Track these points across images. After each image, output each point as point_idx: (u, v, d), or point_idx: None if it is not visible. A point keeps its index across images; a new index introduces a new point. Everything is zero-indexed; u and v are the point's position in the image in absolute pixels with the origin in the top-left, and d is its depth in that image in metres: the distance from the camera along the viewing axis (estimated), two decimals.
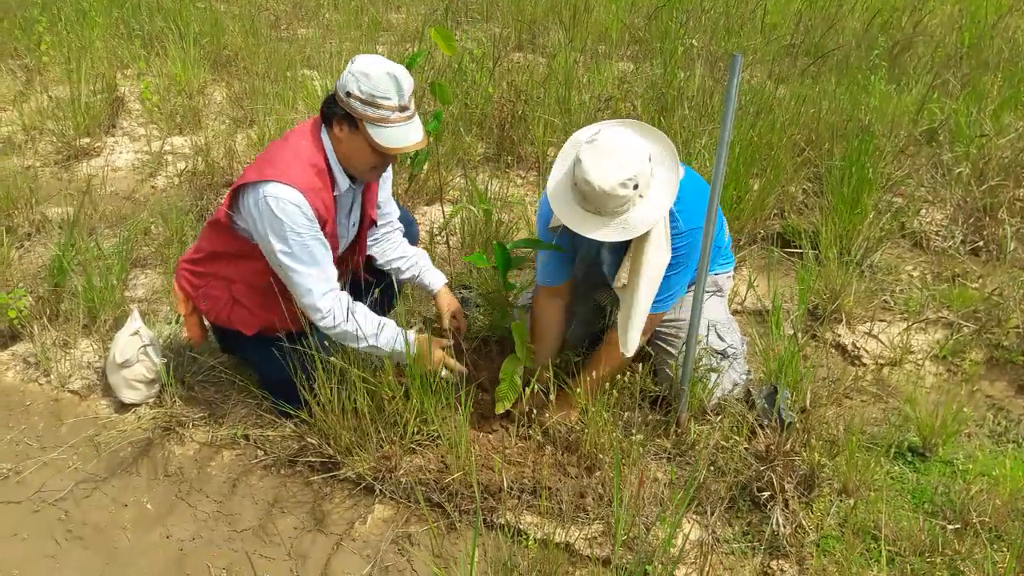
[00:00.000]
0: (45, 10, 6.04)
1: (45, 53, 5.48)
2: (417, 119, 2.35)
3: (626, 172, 2.19)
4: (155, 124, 4.90)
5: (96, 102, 4.86)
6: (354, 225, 2.64)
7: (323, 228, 2.40)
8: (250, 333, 2.59)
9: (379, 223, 2.78)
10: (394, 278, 2.89)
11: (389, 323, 2.49)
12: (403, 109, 2.28)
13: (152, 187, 4.30)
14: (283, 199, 2.29)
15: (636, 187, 2.21)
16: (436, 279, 2.85)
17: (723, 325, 2.71)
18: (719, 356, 2.66)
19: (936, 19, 5.93)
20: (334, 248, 2.50)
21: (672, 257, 2.36)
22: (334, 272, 2.44)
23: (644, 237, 2.30)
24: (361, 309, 2.47)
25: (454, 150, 4.30)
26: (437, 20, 5.97)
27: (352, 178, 2.50)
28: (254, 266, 2.49)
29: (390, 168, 2.73)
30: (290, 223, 2.30)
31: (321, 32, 6.26)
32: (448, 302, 2.82)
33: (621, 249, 2.44)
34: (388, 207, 2.80)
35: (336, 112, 2.32)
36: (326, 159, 2.41)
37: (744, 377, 2.71)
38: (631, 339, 2.38)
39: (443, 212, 3.76)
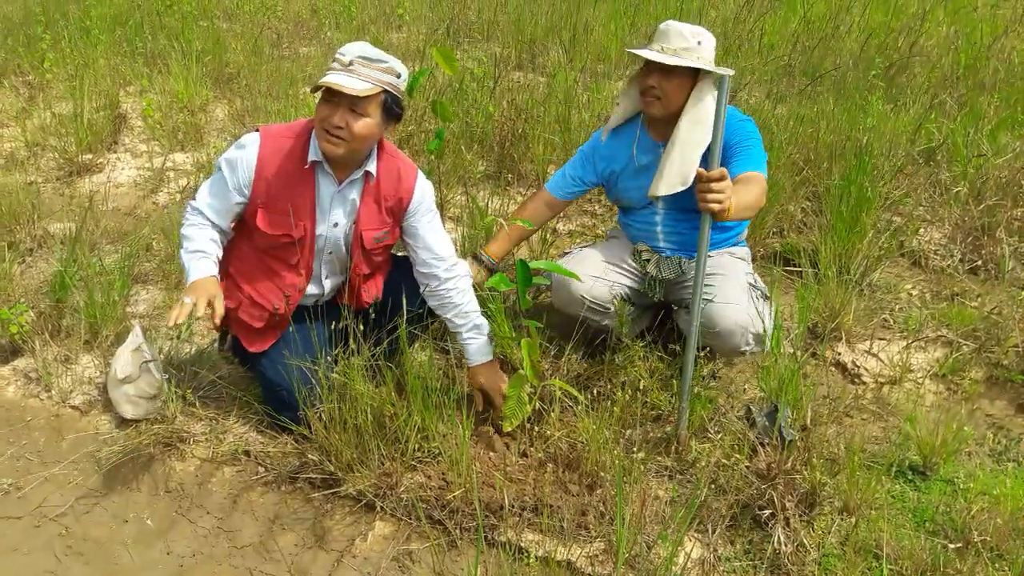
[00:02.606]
0: (49, 28, 6.08)
1: (48, 70, 5.52)
2: (358, 77, 2.37)
3: (698, 29, 2.66)
4: (157, 141, 4.92)
5: (99, 119, 4.88)
6: (335, 226, 2.59)
7: (265, 182, 2.48)
8: (231, 304, 2.61)
9: (432, 283, 2.71)
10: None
11: (202, 258, 2.48)
12: (349, 64, 2.37)
13: (154, 203, 4.32)
14: (243, 138, 2.54)
15: (700, 43, 2.64)
16: (478, 355, 2.72)
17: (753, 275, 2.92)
18: (760, 293, 2.81)
19: (932, 40, 5.98)
20: (295, 230, 2.52)
21: (742, 142, 2.71)
22: (218, 209, 2.54)
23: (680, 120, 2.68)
24: (205, 234, 2.53)
25: (455, 168, 4.32)
26: (438, 39, 6.01)
27: (340, 177, 2.55)
28: (243, 237, 2.63)
29: (431, 218, 2.69)
30: (226, 156, 2.52)
31: (323, 50, 6.30)
32: (482, 383, 2.72)
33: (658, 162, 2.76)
34: (441, 263, 2.70)
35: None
36: (308, 129, 2.53)
37: (759, 335, 2.78)
38: (662, 180, 2.70)
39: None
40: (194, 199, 2.57)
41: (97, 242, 3.82)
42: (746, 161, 2.67)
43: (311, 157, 2.50)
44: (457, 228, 3.87)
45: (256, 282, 2.61)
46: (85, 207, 3.97)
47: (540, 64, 6.03)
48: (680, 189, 2.67)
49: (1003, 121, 4.45)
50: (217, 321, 2.38)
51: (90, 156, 4.69)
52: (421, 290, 2.75)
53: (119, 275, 3.34)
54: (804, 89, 4.96)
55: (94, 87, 5.21)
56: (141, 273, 3.61)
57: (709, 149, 2.36)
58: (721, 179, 2.31)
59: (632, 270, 2.97)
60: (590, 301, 2.85)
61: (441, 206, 3.94)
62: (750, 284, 2.82)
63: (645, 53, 2.65)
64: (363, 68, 2.37)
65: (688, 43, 2.62)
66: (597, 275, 2.88)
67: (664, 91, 2.69)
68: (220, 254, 2.57)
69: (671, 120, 2.73)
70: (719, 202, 2.32)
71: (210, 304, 2.34)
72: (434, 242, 2.70)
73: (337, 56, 2.40)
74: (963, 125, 4.42)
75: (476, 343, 2.70)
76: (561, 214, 4.12)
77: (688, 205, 2.63)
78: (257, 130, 2.54)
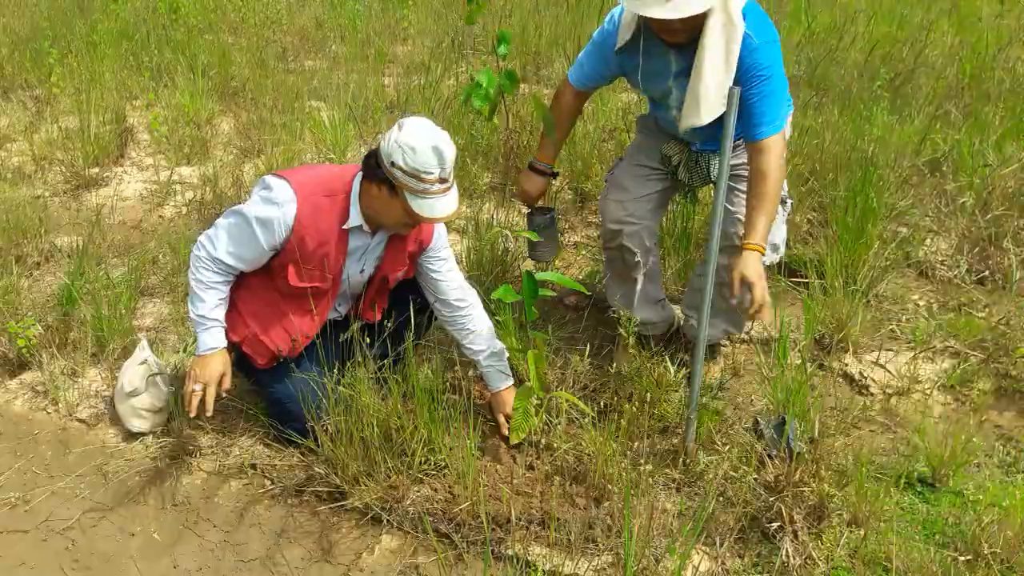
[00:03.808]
0: (56, 42, 6.11)
1: (55, 84, 5.54)
2: (454, 190, 2.41)
3: None
4: (163, 154, 4.94)
5: (105, 132, 4.90)
6: (362, 272, 2.63)
7: (301, 241, 2.45)
8: (235, 339, 2.62)
9: (446, 311, 2.75)
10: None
11: (214, 327, 2.53)
12: (443, 181, 2.34)
13: (160, 216, 4.33)
14: (274, 191, 2.43)
15: None
16: (500, 381, 2.78)
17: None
18: (780, 201, 2.72)
19: (937, 50, 5.98)
20: (324, 283, 2.54)
21: (759, 76, 2.49)
22: (237, 260, 2.51)
23: (703, 48, 2.46)
24: (216, 295, 2.53)
25: (460, 179, 4.33)
26: (443, 52, 6.03)
27: (373, 231, 2.55)
28: (261, 276, 2.60)
29: (446, 255, 2.73)
30: (257, 213, 2.42)
31: (328, 64, 6.32)
32: (503, 407, 2.76)
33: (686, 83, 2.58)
34: (456, 293, 2.74)
35: (377, 175, 2.38)
36: (347, 195, 2.48)
37: (783, 246, 2.79)
38: (689, 111, 2.57)
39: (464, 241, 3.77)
40: (213, 246, 2.49)
41: (104, 255, 3.83)
42: (760, 118, 2.53)
43: (352, 223, 2.49)
44: (462, 239, 3.87)
45: (265, 322, 2.59)
46: (92, 221, 3.98)
47: (544, 76, 6.04)
48: (720, 111, 2.51)
49: (1008, 131, 4.44)
50: (224, 395, 2.58)
51: (97, 170, 4.71)
52: (437, 316, 2.79)
53: (126, 288, 3.35)
54: (809, 100, 4.96)
55: (101, 101, 5.23)
56: (148, 286, 3.62)
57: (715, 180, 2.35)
58: (753, 296, 2.41)
59: (662, 171, 2.92)
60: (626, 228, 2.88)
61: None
62: None
63: (654, 13, 2.40)
64: (452, 172, 2.38)
65: None
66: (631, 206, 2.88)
67: (684, 28, 2.48)
68: (228, 303, 2.60)
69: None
70: (764, 304, 2.42)
71: (220, 383, 2.52)
72: (449, 277, 2.74)
73: (423, 174, 2.30)
74: (969, 135, 4.41)
75: (493, 370, 2.75)
76: (566, 225, 4.13)
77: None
78: (285, 179, 2.45)
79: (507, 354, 2.79)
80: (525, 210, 3.17)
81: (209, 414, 2.52)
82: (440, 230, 2.71)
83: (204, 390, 2.48)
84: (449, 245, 2.77)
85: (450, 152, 2.32)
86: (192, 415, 2.52)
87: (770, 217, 2.53)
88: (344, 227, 2.49)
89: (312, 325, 2.62)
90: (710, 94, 2.52)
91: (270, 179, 2.47)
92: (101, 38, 6.26)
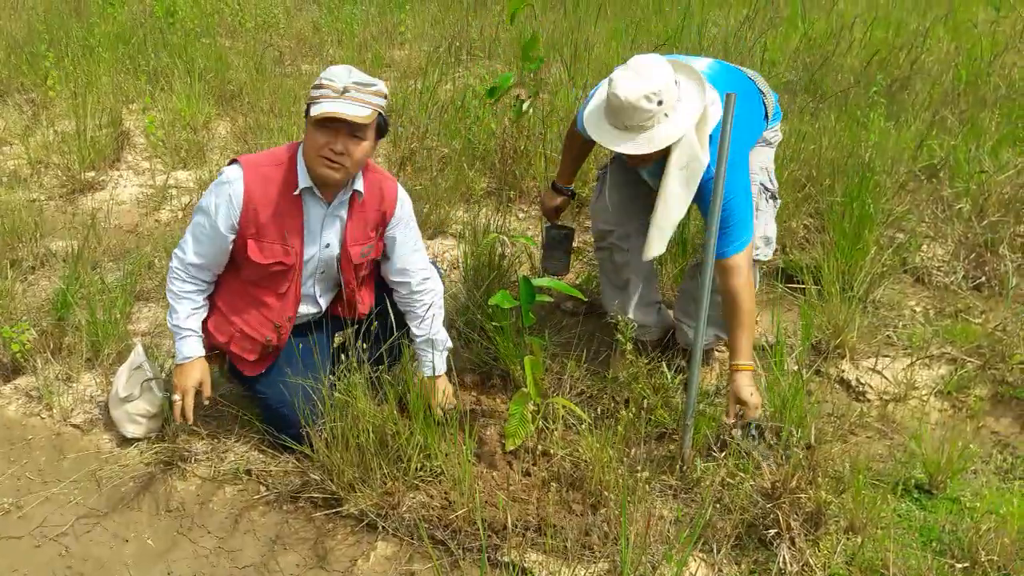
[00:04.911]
0: (52, 45, 6.10)
1: (51, 88, 5.53)
2: (356, 103, 2.36)
3: (651, 86, 2.38)
4: (159, 158, 4.93)
5: (101, 136, 4.89)
6: (327, 246, 2.60)
7: (255, 213, 2.46)
8: (222, 339, 2.64)
9: (402, 290, 2.75)
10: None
11: (189, 336, 2.57)
12: (344, 91, 2.35)
13: (156, 221, 4.32)
14: (224, 174, 2.49)
15: (660, 103, 2.40)
16: (436, 368, 2.74)
17: (773, 172, 2.87)
18: (769, 195, 2.81)
19: (933, 56, 5.98)
20: (288, 256, 2.53)
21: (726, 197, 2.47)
22: (206, 258, 2.54)
23: (668, 168, 2.50)
24: (189, 304, 2.58)
25: (456, 184, 4.33)
26: (440, 57, 6.03)
27: (328, 198, 2.54)
28: (229, 271, 2.63)
29: (408, 228, 2.71)
30: (211, 197, 2.49)
31: (325, 68, 6.31)
32: (440, 391, 2.72)
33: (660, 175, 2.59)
34: (415, 275, 2.74)
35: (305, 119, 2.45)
36: (293, 160, 2.51)
37: (774, 238, 2.86)
38: (653, 243, 2.60)
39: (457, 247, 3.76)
40: (182, 251, 2.55)
41: (99, 260, 3.82)
42: (725, 239, 2.56)
43: (301, 184, 2.49)
44: (459, 245, 3.87)
45: (246, 315, 2.61)
46: (87, 225, 3.97)
47: (542, 81, 6.04)
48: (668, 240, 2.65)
49: (1004, 137, 4.45)
50: (205, 402, 2.64)
51: (93, 174, 4.69)
52: (393, 296, 2.77)
53: (121, 293, 3.34)
54: (806, 106, 4.97)
55: (97, 105, 5.22)
56: (143, 291, 3.61)
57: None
58: (746, 415, 2.56)
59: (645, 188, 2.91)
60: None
61: (442, 223, 3.95)
62: (762, 186, 2.80)
63: (621, 148, 2.50)
64: (358, 93, 2.37)
65: (650, 110, 2.40)
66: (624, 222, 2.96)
67: (649, 157, 2.56)
68: (205, 311, 2.64)
69: None
70: (757, 407, 2.56)
71: (198, 392, 2.59)
72: (410, 252, 2.73)
73: (325, 83, 2.37)
74: (965, 141, 4.42)
75: (426, 356, 2.73)
76: None
77: None
78: (235, 161, 2.52)
79: (448, 348, 2.75)
80: (546, 223, 3.32)
81: (190, 422, 2.57)
82: (403, 200, 2.68)
83: (183, 401, 2.55)
84: (414, 219, 2.75)
85: (360, 73, 2.39)
86: (178, 423, 2.59)
87: (751, 333, 2.63)
88: (295, 193, 2.49)
89: (288, 306, 2.61)
90: (672, 222, 2.59)
91: (224, 168, 2.54)
92: (98, 41, 6.25)
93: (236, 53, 6.34)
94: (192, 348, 2.57)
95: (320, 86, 2.37)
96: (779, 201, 2.94)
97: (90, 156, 4.74)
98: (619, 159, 2.98)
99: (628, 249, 2.95)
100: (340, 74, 2.38)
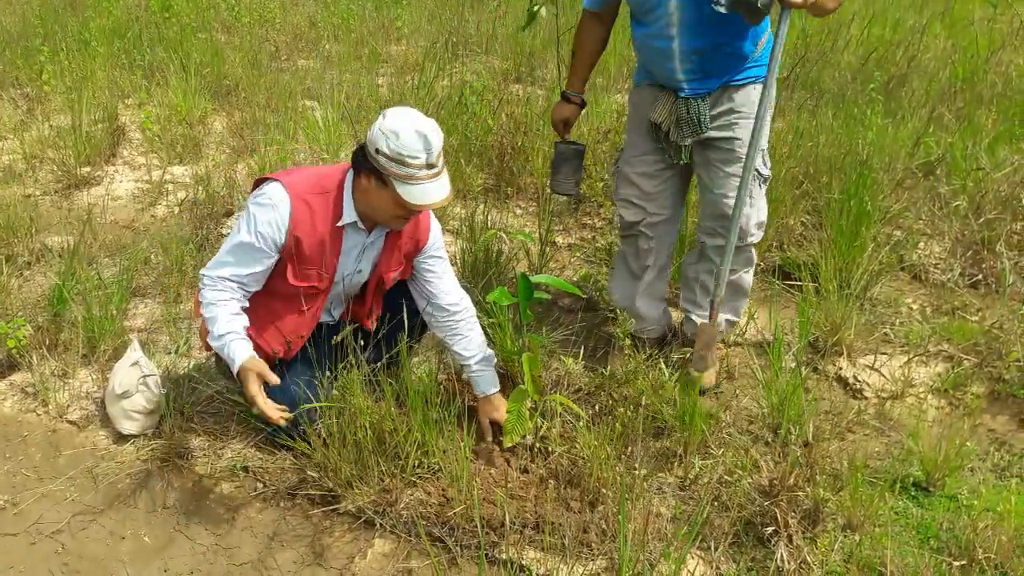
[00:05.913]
0: (47, 40, 6.08)
1: (47, 82, 5.51)
2: (444, 175, 2.37)
3: None
4: (155, 153, 4.91)
5: (97, 131, 4.88)
6: (359, 272, 2.61)
7: (297, 241, 2.42)
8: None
9: (440, 315, 2.70)
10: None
11: (234, 339, 2.38)
12: (430, 167, 2.31)
13: (152, 216, 4.30)
14: (266, 193, 2.41)
15: None
16: (488, 386, 2.72)
17: (767, 152, 2.85)
18: (762, 179, 2.81)
19: (930, 53, 5.99)
20: (321, 282, 2.52)
21: None
22: (245, 277, 2.45)
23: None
24: (227, 309, 2.42)
25: (454, 180, 4.31)
26: (437, 52, 6.01)
27: (369, 228, 2.52)
28: None
29: (441, 255, 2.70)
30: (254, 219, 2.40)
31: (321, 63, 6.30)
32: (495, 416, 2.71)
33: None
34: (450, 297, 2.70)
35: (364, 166, 2.36)
36: (340, 192, 2.45)
37: (764, 220, 2.88)
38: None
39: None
40: (220, 270, 2.43)
41: (95, 255, 3.80)
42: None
43: (346, 219, 2.47)
44: (456, 241, 3.86)
45: (260, 326, 2.55)
46: (83, 220, 3.95)
47: (539, 77, 6.04)
48: None
49: (1001, 135, 4.45)
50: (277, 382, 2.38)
51: (88, 169, 4.68)
52: (427, 321, 2.75)
53: (117, 289, 3.33)
54: (803, 103, 4.97)
55: (92, 100, 5.20)
56: (139, 287, 3.59)
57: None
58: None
59: (664, 156, 2.89)
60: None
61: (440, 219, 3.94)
62: (756, 172, 2.76)
63: None
64: (440, 160, 2.35)
65: None
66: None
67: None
68: (244, 319, 2.48)
69: None
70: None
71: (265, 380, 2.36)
72: (443, 279, 2.71)
73: (408, 159, 2.27)
74: (962, 139, 4.42)
75: (486, 375, 2.70)
76: (560, 227, 4.12)
77: (706, 10, 2.46)
78: (275, 180, 2.44)
79: (495, 360, 2.76)
80: (556, 139, 3.16)
81: (288, 420, 2.37)
82: (436, 230, 2.68)
83: (266, 411, 2.34)
84: (444, 246, 2.75)
85: (436, 136, 2.30)
86: (285, 427, 2.43)
87: None
88: (339, 224, 2.47)
89: (305, 325, 2.59)
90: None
91: (262, 185, 2.45)
92: (93, 36, 6.23)
93: (232, 48, 6.32)
94: (238, 351, 2.37)
95: (402, 162, 2.27)
96: (768, 175, 2.89)
97: (86, 151, 4.72)
98: (631, 133, 2.98)
99: (654, 236, 2.97)
100: (419, 146, 2.27)
